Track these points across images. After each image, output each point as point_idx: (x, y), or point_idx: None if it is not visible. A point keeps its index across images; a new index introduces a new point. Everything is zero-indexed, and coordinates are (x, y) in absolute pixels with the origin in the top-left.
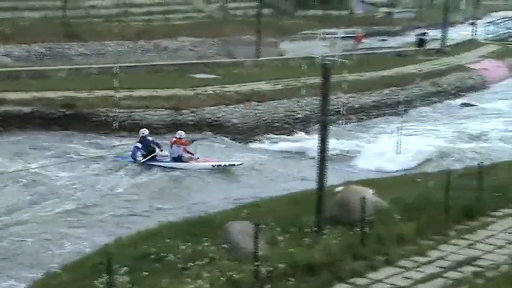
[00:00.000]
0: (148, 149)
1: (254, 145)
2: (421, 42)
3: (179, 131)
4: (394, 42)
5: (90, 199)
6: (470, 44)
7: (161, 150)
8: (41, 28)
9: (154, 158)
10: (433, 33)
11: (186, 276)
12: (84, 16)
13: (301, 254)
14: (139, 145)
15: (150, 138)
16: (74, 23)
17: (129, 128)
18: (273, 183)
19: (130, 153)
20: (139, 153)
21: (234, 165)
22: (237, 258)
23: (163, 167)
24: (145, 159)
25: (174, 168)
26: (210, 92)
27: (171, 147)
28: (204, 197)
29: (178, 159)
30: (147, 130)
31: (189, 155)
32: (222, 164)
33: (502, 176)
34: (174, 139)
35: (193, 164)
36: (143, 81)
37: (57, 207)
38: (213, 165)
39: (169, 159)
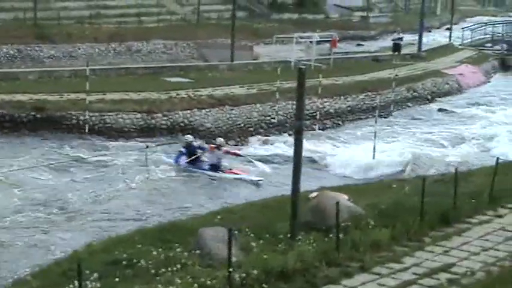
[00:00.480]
0: (192, 155)
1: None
2: (396, 47)
3: (219, 138)
4: (369, 46)
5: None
6: (446, 49)
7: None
8: (10, 29)
9: (197, 160)
10: (409, 38)
11: (158, 282)
12: (55, 18)
13: (275, 260)
14: (184, 150)
15: (195, 143)
16: (45, 25)
17: (101, 131)
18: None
19: (174, 156)
20: (183, 158)
21: (257, 182)
22: (209, 265)
23: (201, 172)
24: (189, 159)
25: (209, 176)
26: (184, 95)
27: (210, 153)
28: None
29: (214, 167)
30: (191, 136)
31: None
32: (247, 179)
33: (478, 182)
34: (212, 146)
35: (225, 175)
36: (115, 84)
37: (39, 212)
38: (235, 178)
39: (207, 166)
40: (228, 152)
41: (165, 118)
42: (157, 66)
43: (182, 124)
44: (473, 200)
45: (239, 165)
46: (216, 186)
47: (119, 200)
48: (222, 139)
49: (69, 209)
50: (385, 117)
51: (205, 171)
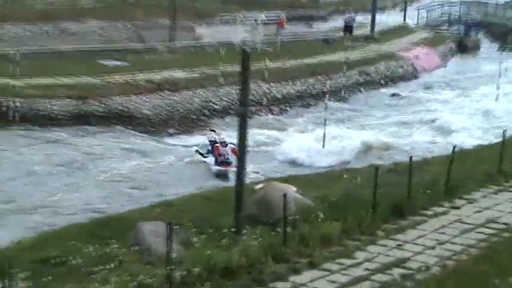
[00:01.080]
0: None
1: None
2: (348, 28)
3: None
4: (319, 27)
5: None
6: (400, 31)
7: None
8: None
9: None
10: (362, 19)
11: (93, 281)
12: None
13: (219, 256)
14: (209, 148)
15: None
16: None
17: (31, 119)
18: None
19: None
20: (212, 159)
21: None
22: (148, 262)
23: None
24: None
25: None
26: (120, 80)
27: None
28: None
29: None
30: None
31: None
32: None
33: (434, 172)
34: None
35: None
36: (47, 68)
37: None
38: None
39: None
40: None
41: (100, 104)
42: (92, 49)
43: (119, 111)
44: (428, 191)
45: None
46: None
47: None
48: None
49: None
50: (336, 103)
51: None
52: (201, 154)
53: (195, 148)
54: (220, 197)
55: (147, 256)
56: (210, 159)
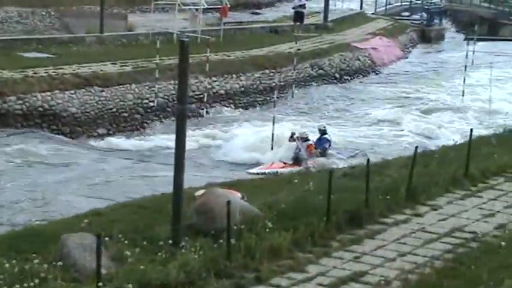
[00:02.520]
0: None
1: (97, 143)
2: (298, 16)
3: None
4: (267, 15)
5: None
6: (357, 19)
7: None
8: None
9: None
10: (314, 6)
11: None
12: None
13: (154, 271)
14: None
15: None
16: None
17: None
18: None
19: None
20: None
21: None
22: (74, 278)
23: None
24: None
25: None
26: (43, 74)
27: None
28: None
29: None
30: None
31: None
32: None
33: (394, 176)
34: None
35: None
36: None
37: None
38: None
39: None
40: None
41: (20, 102)
42: (10, 39)
43: (41, 109)
44: (388, 197)
45: None
46: None
47: None
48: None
49: None
50: (285, 99)
51: None
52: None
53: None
54: (156, 205)
55: (73, 272)
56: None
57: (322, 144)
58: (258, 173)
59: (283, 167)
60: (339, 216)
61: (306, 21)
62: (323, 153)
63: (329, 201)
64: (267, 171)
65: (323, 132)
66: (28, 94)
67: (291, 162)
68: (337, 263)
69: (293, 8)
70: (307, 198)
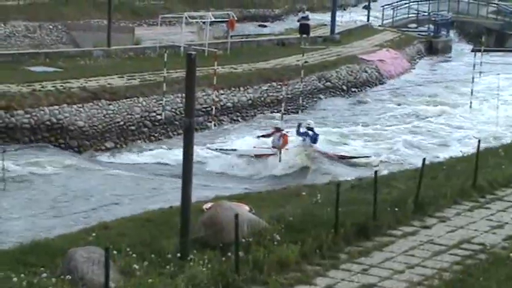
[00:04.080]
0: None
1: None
2: (304, 29)
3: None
4: (274, 28)
5: None
6: (364, 31)
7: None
8: None
9: None
10: (320, 18)
11: None
12: None
13: (163, 285)
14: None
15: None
16: None
17: None
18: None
19: None
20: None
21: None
22: None
23: None
24: None
25: None
26: (50, 88)
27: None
28: None
29: None
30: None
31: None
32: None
33: (402, 188)
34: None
35: None
36: None
37: None
38: None
39: None
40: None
41: (28, 116)
42: (18, 53)
43: (49, 123)
44: (396, 209)
45: None
46: None
47: None
48: None
49: None
50: (293, 112)
51: None
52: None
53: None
54: (163, 219)
55: (81, 286)
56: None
57: (301, 135)
58: (216, 149)
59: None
60: (347, 229)
61: (313, 33)
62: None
63: (337, 214)
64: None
65: (310, 129)
66: (36, 108)
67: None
68: (346, 276)
69: (298, 21)
70: (315, 211)
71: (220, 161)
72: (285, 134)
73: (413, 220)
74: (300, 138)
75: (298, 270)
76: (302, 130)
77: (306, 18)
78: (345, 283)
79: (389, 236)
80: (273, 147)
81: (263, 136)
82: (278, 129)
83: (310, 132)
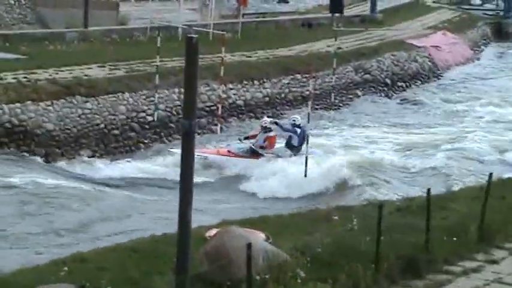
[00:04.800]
0: None
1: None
2: (336, 5)
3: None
4: (298, 4)
5: None
6: (414, 9)
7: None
8: None
9: None
10: None
11: None
12: None
13: None
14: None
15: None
16: None
17: None
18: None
19: None
20: None
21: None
22: None
23: None
24: None
25: None
26: (11, 80)
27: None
28: None
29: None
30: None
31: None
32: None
33: (462, 211)
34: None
35: None
36: None
37: None
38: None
39: None
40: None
41: None
42: None
43: (8, 125)
44: (454, 238)
45: None
46: None
47: None
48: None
49: None
50: (326, 111)
51: None
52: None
53: None
54: (155, 249)
55: None
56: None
57: (288, 130)
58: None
59: (227, 155)
60: (391, 263)
61: (349, 11)
62: (289, 146)
63: (378, 244)
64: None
65: (296, 126)
66: None
67: (244, 153)
68: None
69: None
70: (350, 240)
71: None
72: (270, 136)
73: (477, 253)
74: (284, 134)
75: None
76: (287, 126)
77: None
78: None
79: (446, 273)
80: (253, 150)
81: (247, 138)
82: (266, 129)
83: (298, 130)
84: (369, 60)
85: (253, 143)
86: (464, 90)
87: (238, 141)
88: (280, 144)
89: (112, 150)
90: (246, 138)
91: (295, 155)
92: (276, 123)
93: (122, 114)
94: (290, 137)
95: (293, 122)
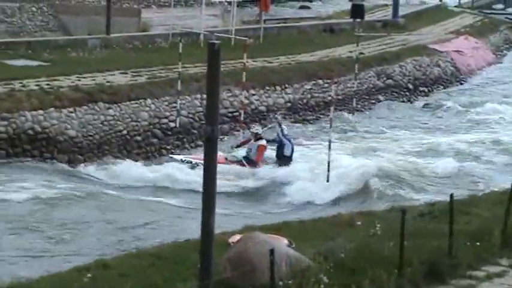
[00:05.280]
0: None
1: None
2: (357, 11)
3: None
4: (320, 9)
5: None
6: (436, 14)
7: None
8: None
9: None
10: None
11: None
12: None
13: None
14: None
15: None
16: None
17: None
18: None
19: None
20: None
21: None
22: None
23: None
24: None
25: None
26: (34, 87)
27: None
28: None
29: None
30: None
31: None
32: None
33: (485, 215)
34: None
35: None
36: None
37: None
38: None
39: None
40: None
41: (4, 123)
42: None
43: (31, 132)
44: (478, 243)
45: None
46: None
47: None
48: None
49: None
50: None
51: None
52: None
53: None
54: (178, 255)
55: None
56: None
57: (285, 137)
58: (182, 160)
59: (223, 163)
60: (415, 268)
61: (372, 16)
62: (281, 156)
63: (402, 249)
64: (194, 161)
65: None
66: (15, 113)
67: (239, 161)
68: None
69: (350, 0)
70: (374, 245)
71: None
72: (261, 145)
73: (501, 257)
74: (283, 141)
75: None
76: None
77: None
78: None
79: (470, 278)
80: (248, 158)
81: (238, 146)
82: (257, 136)
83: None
84: (391, 65)
85: (248, 152)
86: (487, 95)
87: (232, 149)
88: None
89: (134, 156)
90: (238, 146)
91: (286, 165)
92: (279, 125)
93: (144, 121)
94: (283, 145)
95: (256, 131)
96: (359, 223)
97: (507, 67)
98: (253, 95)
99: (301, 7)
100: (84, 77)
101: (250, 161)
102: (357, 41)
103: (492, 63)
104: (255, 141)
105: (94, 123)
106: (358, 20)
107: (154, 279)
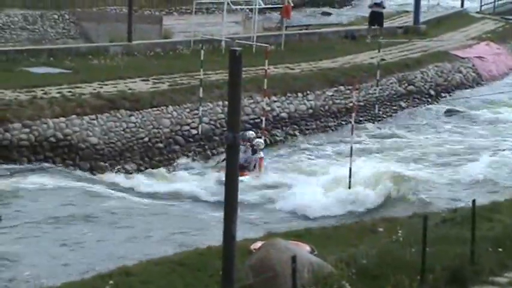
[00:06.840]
0: None
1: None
2: (375, 18)
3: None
4: (341, 16)
5: None
6: (457, 19)
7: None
8: None
9: None
10: (402, 2)
11: None
12: None
13: None
14: None
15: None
16: None
17: None
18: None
19: None
20: None
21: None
22: None
23: None
24: None
25: None
26: (55, 95)
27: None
28: None
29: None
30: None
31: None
32: None
33: (507, 222)
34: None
35: None
36: None
37: None
38: None
39: None
40: None
41: (26, 130)
42: (14, 50)
43: (53, 139)
44: (500, 249)
45: None
46: None
47: None
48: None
49: None
50: (372, 123)
51: None
52: None
53: None
54: (200, 262)
55: None
56: None
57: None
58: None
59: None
60: (437, 275)
61: (392, 23)
62: None
63: (424, 255)
64: None
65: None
66: (37, 120)
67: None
68: None
69: (369, 6)
70: (396, 251)
71: None
72: (261, 158)
73: None
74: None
75: None
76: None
77: (380, 4)
78: None
79: (492, 285)
80: (242, 166)
81: (224, 160)
82: (253, 147)
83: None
84: (412, 71)
85: (245, 165)
86: (509, 101)
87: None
88: None
89: (156, 163)
90: (224, 160)
91: None
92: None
93: (166, 128)
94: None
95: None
96: (381, 229)
97: None
98: (275, 101)
99: (323, 13)
100: (106, 84)
101: (243, 168)
102: (379, 47)
103: None
104: (252, 154)
105: (116, 130)
106: (375, 27)
107: (177, 286)
